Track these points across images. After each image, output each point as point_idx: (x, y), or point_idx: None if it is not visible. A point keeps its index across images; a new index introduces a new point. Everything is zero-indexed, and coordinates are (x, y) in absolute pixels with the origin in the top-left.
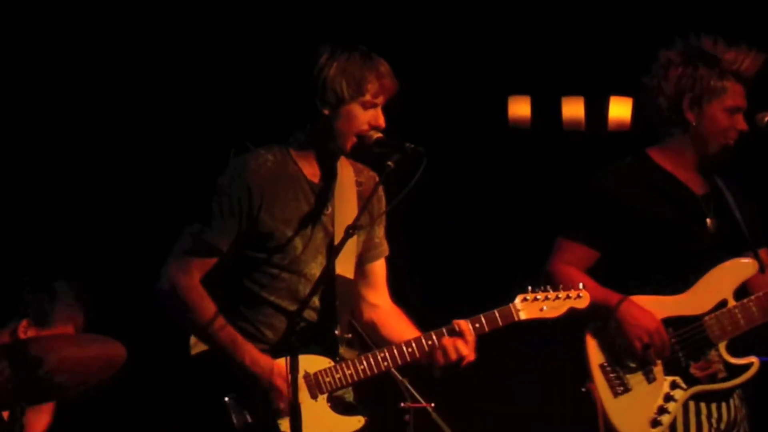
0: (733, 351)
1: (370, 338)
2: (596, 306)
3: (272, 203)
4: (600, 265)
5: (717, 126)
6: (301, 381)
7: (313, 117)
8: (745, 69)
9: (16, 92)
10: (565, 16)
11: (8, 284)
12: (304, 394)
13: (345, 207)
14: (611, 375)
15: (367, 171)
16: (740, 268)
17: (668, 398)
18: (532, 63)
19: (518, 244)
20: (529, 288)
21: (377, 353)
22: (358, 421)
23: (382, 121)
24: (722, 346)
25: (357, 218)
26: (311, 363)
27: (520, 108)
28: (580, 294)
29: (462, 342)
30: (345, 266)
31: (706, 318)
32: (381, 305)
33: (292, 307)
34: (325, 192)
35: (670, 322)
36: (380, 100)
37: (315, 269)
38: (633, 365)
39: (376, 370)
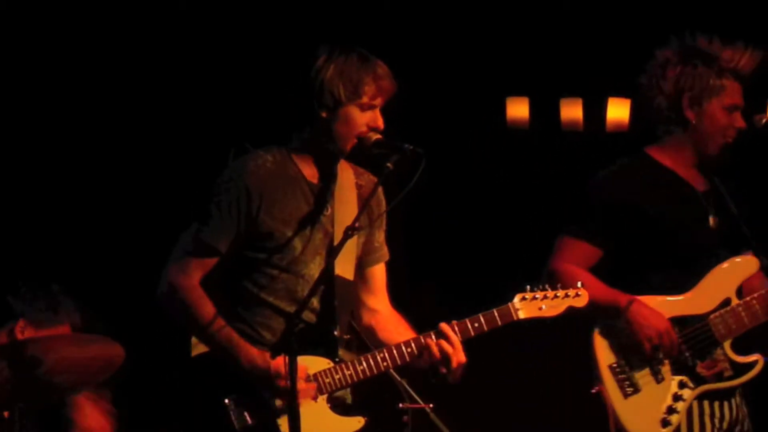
0: (737, 349)
1: (369, 342)
2: (604, 306)
3: (271, 204)
4: (603, 264)
5: (716, 124)
6: (300, 382)
7: (311, 119)
8: (743, 66)
9: (14, 94)
10: (563, 17)
11: (6, 284)
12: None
13: (345, 208)
14: (621, 376)
15: (367, 174)
16: (742, 265)
17: (677, 398)
18: (531, 64)
19: (517, 245)
20: (528, 287)
21: (376, 354)
22: (358, 421)
23: (380, 123)
24: (727, 345)
25: (356, 219)
26: (311, 364)
27: (518, 109)
28: (579, 293)
29: (446, 343)
30: (344, 267)
31: (711, 317)
32: (380, 310)
33: (291, 308)
34: (324, 193)
35: (676, 322)
36: (378, 101)
37: (314, 270)
38: (642, 366)
39: (375, 371)
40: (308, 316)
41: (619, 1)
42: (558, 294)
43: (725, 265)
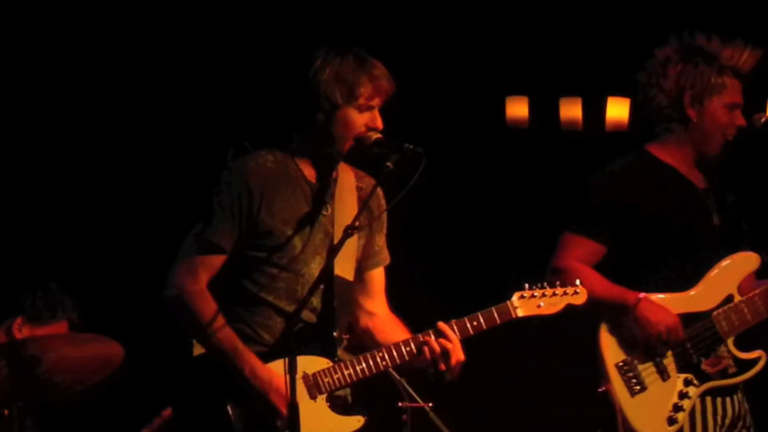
0: (739, 346)
1: (366, 345)
2: (612, 303)
3: (272, 202)
4: (605, 261)
5: (717, 122)
6: (299, 382)
7: (311, 122)
8: (743, 64)
9: (13, 94)
10: (563, 17)
11: (4, 282)
12: (303, 395)
13: (345, 209)
14: (628, 374)
15: (368, 178)
16: (744, 262)
17: (683, 395)
18: (530, 63)
19: (517, 244)
20: (526, 285)
21: (376, 353)
22: (358, 420)
23: (379, 123)
24: (730, 342)
25: (355, 218)
26: (310, 364)
27: (517, 108)
28: (578, 290)
29: (445, 341)
30: (344, 268)
31: (715, 314)
32: (378, 313)
33: (290, 308)
34: (325, 193)
35: (681, 319)
36: (376, 102)
37: (314, 269)
38: (648, 363)
39: (375, 370)
40: (307, 316)
41: (619, 1)
42: (556, 292)
43: (727, 261)
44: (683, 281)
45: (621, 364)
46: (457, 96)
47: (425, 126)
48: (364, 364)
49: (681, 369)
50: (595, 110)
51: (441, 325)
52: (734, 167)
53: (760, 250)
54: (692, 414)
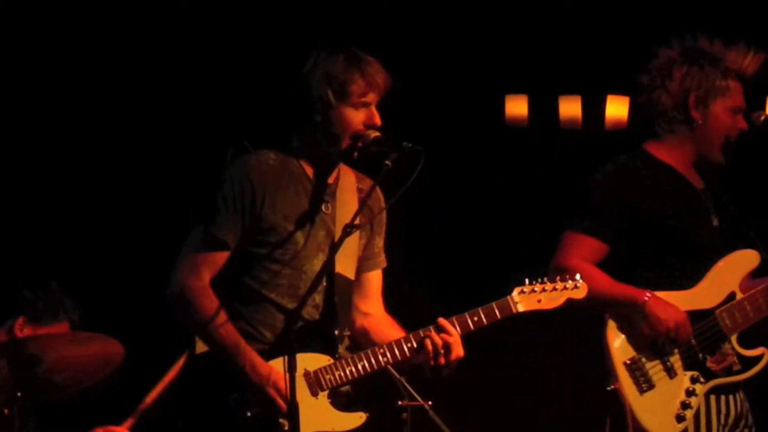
0: (742, 343)
1: (362, 345)
2: (620, 301)
3: (274, 198)
4: (607, 260)
5: (721, 125)
6: (301, 379)
7: (309, 123)
8: (747, 67)
9: (13, 94)
10: (562, 15)
11: (5, 282)
12: (304, 392)
13: (346, 208)
14: (636, 372)
15: (368, 180)
16: (745, 259)
17: (690, 393)
18: (529, 61)
19: (516, 243)
20: (526, 280)
21: (377, 350)
22: (360, 417)
23: (377, 119)
24: (734, 339)
25: (354, 216)
26: (311, 361)
27: (517, 106)
28: (578, 284)
29: (446, 336)
30: (345, 265)
31: (718, 311)
32: (373, 314)
33: (292, 305)
34: (326, 191)
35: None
36: (370, 98)
37: (316, 266)
38: (655, 361)
39: (375, 367)
40: (309, 313)
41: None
42: (557, 286)
43: (728, 259)
44: (683, 280)
45: (629, 362)
46: (456, 94)
47: (424, 124)
48: (365, 361)
49: (687, 367)
50: (594, 109)
51: (442, 320)
52: (734, 167)
53: (759, 249)
54: (696, 413)
